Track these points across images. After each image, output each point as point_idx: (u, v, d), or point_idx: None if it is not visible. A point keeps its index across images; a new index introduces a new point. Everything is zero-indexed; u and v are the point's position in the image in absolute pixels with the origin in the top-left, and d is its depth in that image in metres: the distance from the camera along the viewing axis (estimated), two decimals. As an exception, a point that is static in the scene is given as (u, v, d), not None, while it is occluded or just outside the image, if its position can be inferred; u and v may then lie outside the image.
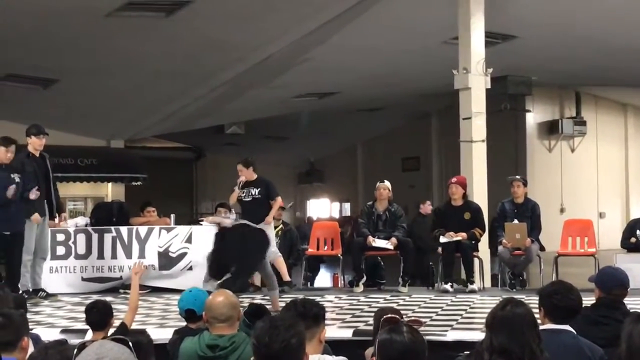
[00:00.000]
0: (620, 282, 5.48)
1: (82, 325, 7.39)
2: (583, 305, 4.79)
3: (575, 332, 4.46)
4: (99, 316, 5.73)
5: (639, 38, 16.04)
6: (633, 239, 11.41)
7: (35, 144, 9.94)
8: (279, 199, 10.84)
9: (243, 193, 10.64)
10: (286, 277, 10.82)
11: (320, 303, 4.29)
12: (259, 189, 10.66)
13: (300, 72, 17.98)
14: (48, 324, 7.85)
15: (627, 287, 5.52)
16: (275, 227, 12.03)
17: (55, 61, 16.38)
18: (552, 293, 4.59)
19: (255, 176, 10.71)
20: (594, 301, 5.42)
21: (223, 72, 17.65)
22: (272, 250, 10.76)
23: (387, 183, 11.05)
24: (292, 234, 12.53)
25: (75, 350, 3.00)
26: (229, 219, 10.10)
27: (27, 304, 6.17)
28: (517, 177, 11.36)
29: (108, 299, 6.55)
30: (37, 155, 10.00)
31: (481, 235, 10.92)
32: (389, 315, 3.76)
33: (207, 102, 20.12)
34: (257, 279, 11.06)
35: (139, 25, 14.59)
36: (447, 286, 10.47)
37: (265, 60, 16.61)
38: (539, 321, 4.13)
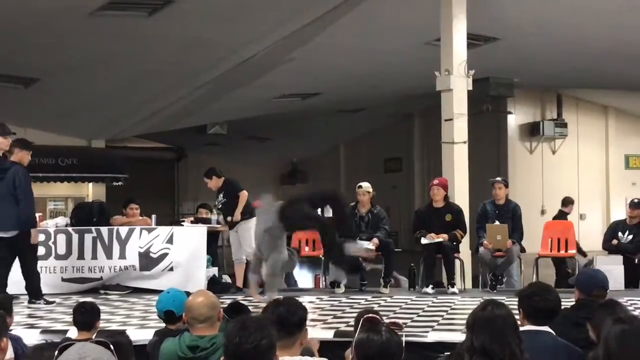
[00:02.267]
0: (600, 283, 5.52)
1: (62, 326, 7.36)
2: (562, 307, 4.81)
3: (554, 334, 4.48)
4: (86, 316, 5.72)
5: (620, 40, 16.13)
6: (615, 241, 11.48)
7: (1, 145, 9.84)
8: (243, 193, 10.94)
9: (217, 203, 10.94)
10: (239, 283, 10.94)
11: (303, 305, 4.28)
12: (222, 192, 10.96)
13: (284, 73, 17.96)
14: (27, 325, 7.79)
15: (606, 288, 5.57)
16: None
17: (36, 60, 16.28)
18: (531, 294, 4.61)
19: (221, 182, 10.95)
20: (574, 303, 5.46)
21: (205, 72, 17.61)
22: (248, 252, 10.78)
23: (365, 187, 11.02)
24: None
25: (57, 351, 2.98)
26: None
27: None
28: (498, 178, 11.39)
29: (88, 299, 6.51)
30: (1, 155, 9.91)
31: (462, 237, 10.95)
32: (370, 315, 3.76)
33: (190, 102, 20.07)
34: (239, 279, 11.05)
35: (121, 24, 14.53)
36: (429, 288, 10.50)
37: (248, 60, 16.59)
38: (519, 322, 4.14)
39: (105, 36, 15.06)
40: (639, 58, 17.30)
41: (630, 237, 11.43)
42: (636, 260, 11.38)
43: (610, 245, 11.50)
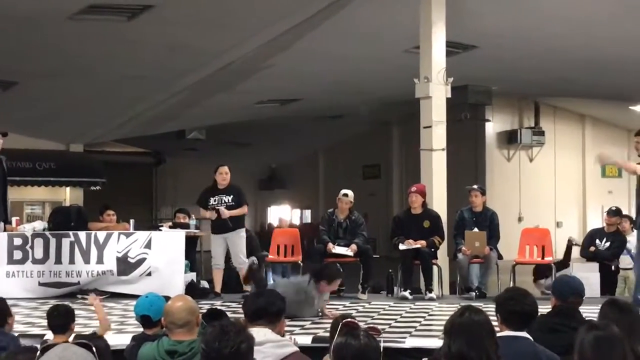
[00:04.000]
0: (576, 290, 5.57)
1: (39, 330, 7.32)
2: (539, 313, 4.85)
3: (532, 339, 4.51)
4: (60, 320, 5.72)
5: (597, 49, 16.27)
6: (592, 248, 11.58)
7: None
8: (246, 207, 11.09)
9: (219, 202, 10.89)
10: (218, 289, 10.95)
11: (282, 296, 4.40)
12: (231, 195, 10.96)
13: (263, 79, 17.97)
14: (4, 329, 7.73)
15: (582, 295, 5.62)
16: None
17: (15, 64, 16.19)
18: (508, 299, 4.64)
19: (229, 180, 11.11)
20: (550, 309, 5.50)
21: (185, 77, 17.59)
22: (242, 259, 10.80)
23: (350, 196, 11.07)
24: (252, 240, 12.50)
25: (39, 352, 2.99)
26: None
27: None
28: (475, 186, 11.44)
29: (63, 303, 6.49)
30: None
31: (440, 243, 11.00)
32: (348, 320, 3.81)
33: (169, 107, 20.03)
34: (217, 285, 11.04)
35: (100, 28, 14.48)
36: (406, 293, 10.53)
37: (228, 65, 16.58)
38: (496, 328, 4.17)
39: (84, 40, 15.00)
40: (616, 67, 17.47)
41: (608, 244, 11.55)
42: (613, 267, 11.50)
43: (588, 252, 11.61)
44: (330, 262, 10.20)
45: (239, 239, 10.89)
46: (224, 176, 10.95)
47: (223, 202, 10.85)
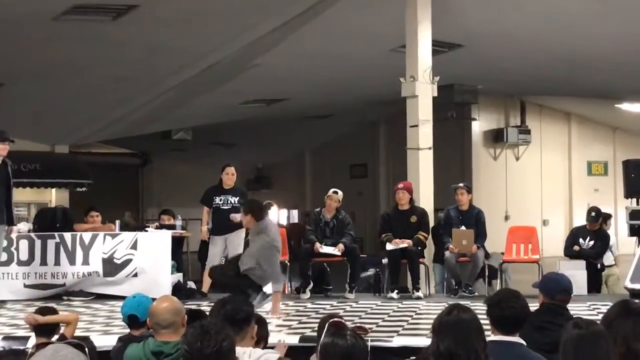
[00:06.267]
0: (564, 288, 5.56)
1: (24, 332, 7.27)
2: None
3: (525, 344, 4.44)
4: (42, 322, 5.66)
5: (583, 48, 16.31)
6: (576, 247, 11.59)
7: (0, 151, 9.75)
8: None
9: (226, 201, 10.85)
10: (205, 289, 10.89)
11: (249, 301, 4.39)
12: (238, 197, 11.01)
13: (249, 78, 17.94)
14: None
15: (570, 292, 5.61)
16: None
17: (0, 64, 16.12)
18: (498, 302, 4.54)
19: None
20: (538, 307, 5.50)
21: (170, 78, 17.53)
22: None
23: (340, 195, 11.07)
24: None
25: (31, 348, 2.96)
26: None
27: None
28: (461, 184, 11.45)
29: (49, 305, 6.44)
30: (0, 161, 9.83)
31: (426, 239, 11.02)
32: (335, 319, 3.80)
33: (154, 107, 19.97)
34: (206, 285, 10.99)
35: (85, 29, 14.41)
36: (393, 294, 10.53)
37: (214, 66, 16.54)
38: (486, 328, 4.13)
39: (69, 41, 14.93)
40: (601, 66, 17.52)
41: (592, 242, 11.57)
42: (598, 265, 11.52)
43: (572, 251, 11.61)
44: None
45: (238, 239, 10.86)
46: (230, 176, 10.98)
47: (229, 202, 10.86)
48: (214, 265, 10.12)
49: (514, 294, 4.70)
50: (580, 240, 11.65)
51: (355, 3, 13.77)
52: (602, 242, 11.65)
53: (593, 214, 11.75)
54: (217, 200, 10.90)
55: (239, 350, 3.89)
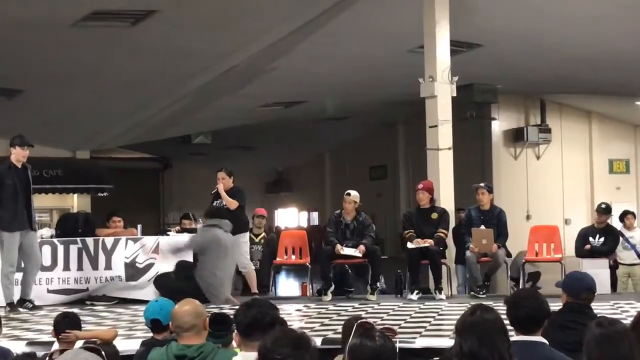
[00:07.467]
0: (588, 286, 5.51)
1: (48, 338, 7.31)
2: (550, 311, 4.77)
3: (548, 344, 4.40)
4: (67, 327, 5.68)
5: (602, 46, 16.22)
6: (587, 246, 11.54)
7: (18, 155, 9.83)
8: (241, 205, 11.08)
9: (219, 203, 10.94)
10: (254, 289, 10.86)
11: (274, 305, 4.36)
12: (233, 198, 11.04)
13: (267, 81, 17.97)
14: (14, 337, 7.74)
15: (594, 291, 5.56)
16: (258, 235, 12.17)
17: (20, 71, 16.21)
18: (515, 303, 4.47)
19: (231, 184, 11.14)
20: (561, 306, 5.46)
21: (189, 82, 17.59)
22: (245, 262, 10.82)
23: (353, 195, 11.02)
24: (273, 242, 12.48)
25: (47, 357, 2.98)
26: None
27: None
28: (482, 184, 11.41)
29: (75, 311, 6.48)
30: (20, 166, 9.89)
31: (446, 236, 10.99)
32: (364, 320, 3.77)
33: (174, 111, 20.04)
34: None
35: (104, 35, 14.49)
36: (413, 295, 10.47)
37: (232, 69, 16.58)
38: (509, 327, 4.11)
39: (88, 47, 15.01)
40: (621, 64, 17.42)
41: (602, 239, 11.53)
42: (611, 262, 11.45)
43: (583, 251, 11.55)
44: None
45: (241, 244, 10.90)
46: (220, 180, 11.08)
47: (223, 205, 10.98)
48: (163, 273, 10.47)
49: (530, 293, 4.66)
50: (590, 239, 11.60)
51: (372, 4, 13.76)
52: (612, 237, 11.61)
53: (604, 205, 11.84)
54: (215, 204, 11.06)
55: None
